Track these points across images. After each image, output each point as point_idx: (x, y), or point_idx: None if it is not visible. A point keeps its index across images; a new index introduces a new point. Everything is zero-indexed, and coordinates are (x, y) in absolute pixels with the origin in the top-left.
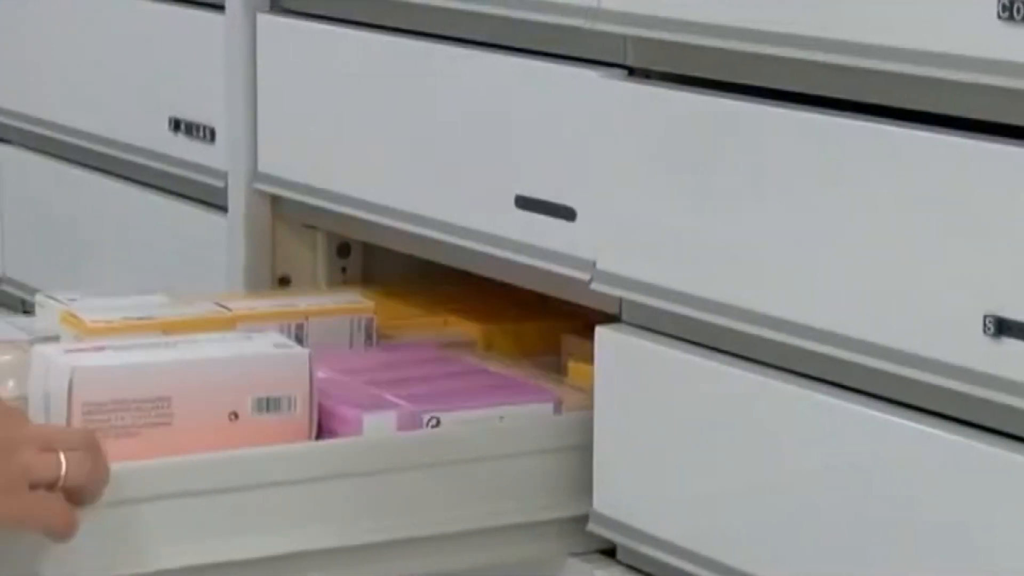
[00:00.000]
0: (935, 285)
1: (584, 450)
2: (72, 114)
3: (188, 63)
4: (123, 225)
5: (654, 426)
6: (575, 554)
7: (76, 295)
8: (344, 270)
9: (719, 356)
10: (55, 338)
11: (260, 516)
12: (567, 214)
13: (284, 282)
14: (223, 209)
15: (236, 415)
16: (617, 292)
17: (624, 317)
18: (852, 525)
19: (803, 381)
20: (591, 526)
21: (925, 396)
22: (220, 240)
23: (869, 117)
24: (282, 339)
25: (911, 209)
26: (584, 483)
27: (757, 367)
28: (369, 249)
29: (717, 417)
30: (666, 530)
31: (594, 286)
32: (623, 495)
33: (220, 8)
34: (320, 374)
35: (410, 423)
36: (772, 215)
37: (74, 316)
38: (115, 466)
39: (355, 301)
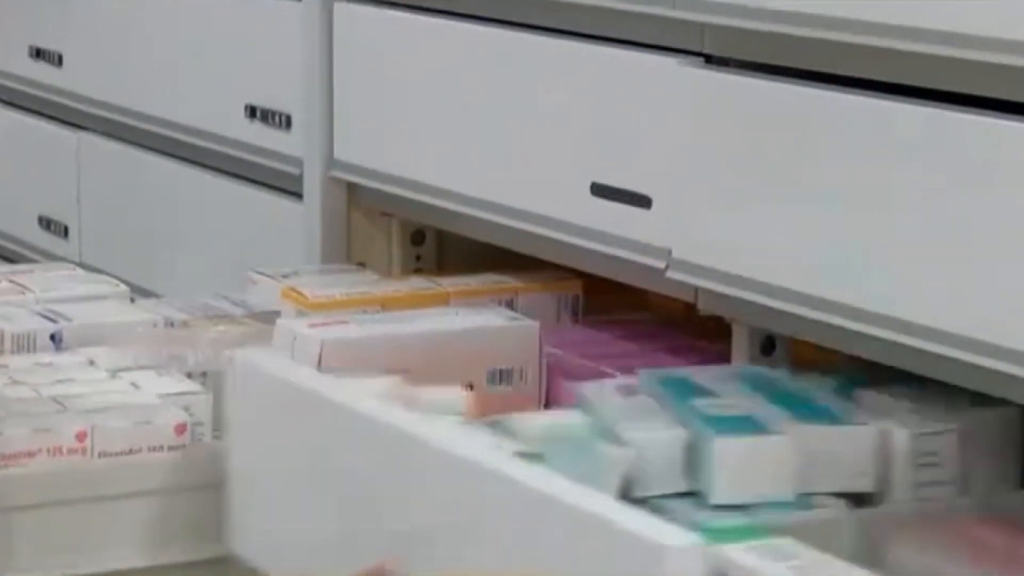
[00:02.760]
0: None
1: None
2: (149, 101)
3: (265, 50)
4: (199, 211)
5: None
6: None
7: (286, 271)
8: (418, 257)
9: None
10: (276, 313)
11: None
12: (643, 202)
13: None
14: (299, 196)
15: (471, 386)
16: (693, 281)
17: (700, 305)
18: None
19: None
20: None
21: None
22: (295, 227)
23: (950, 106)
24: (507, 312)
25: (996, 198)
26: None
27: None
28: (443, 236)
29: None
30: None
31: (670, 274)
32: None
33: None
34: None
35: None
36: (849, 205)
37: (296, 291)
38: None
39: (561, 278)
